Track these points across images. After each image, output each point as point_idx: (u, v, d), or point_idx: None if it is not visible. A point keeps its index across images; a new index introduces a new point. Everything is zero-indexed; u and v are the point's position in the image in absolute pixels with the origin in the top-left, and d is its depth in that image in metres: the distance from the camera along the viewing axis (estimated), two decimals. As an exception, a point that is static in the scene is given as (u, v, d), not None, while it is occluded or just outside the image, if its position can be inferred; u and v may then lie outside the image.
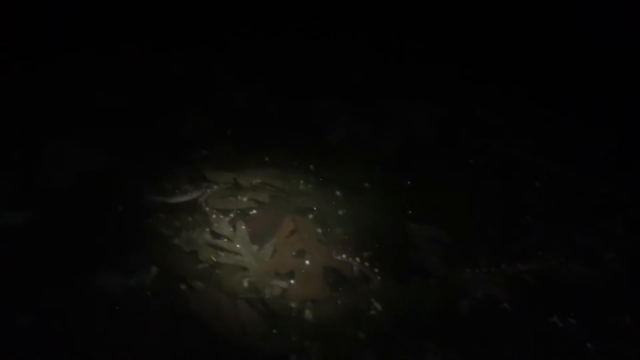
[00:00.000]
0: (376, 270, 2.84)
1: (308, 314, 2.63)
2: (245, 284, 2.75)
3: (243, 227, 2.99)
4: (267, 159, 3.58)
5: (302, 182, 3.39)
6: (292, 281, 2.79)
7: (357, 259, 2.87)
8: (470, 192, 3.43)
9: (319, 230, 3.06)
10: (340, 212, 3.19)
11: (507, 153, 3.71)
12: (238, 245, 2.91)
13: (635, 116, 3.98)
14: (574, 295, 2.86)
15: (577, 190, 3.44)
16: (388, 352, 2.51)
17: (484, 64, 4.49)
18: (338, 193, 3.32)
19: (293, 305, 2.66)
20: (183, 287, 2.70)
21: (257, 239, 2.96)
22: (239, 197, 3.22)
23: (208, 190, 3.26)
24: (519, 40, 4.65)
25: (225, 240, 2.94)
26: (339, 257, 2.87)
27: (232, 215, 3.10)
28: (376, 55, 4.65)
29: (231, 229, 2.99)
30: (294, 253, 2.91)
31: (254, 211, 3.14)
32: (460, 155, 3.68)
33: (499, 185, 3.48)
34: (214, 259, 2.84)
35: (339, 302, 2.71)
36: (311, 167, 3.53)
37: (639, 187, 3.43)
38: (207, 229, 3.01)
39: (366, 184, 3.42)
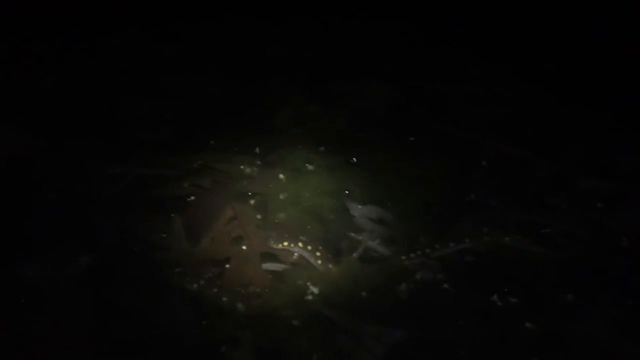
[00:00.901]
0: (317, 254, 2.77)
1: (241, 302, 2.56)
2: (178, 274, 2.67)
3: (177, 216, 2.88)
4: (212, 142, 3.49)
5: (245, 165, 3.30)
6: (227, 266, 2.72)
7: (298, 244, 2.78)
8: (417, 171, 3.37)
9: (259, 216, 2.98)
10: (282, 197, 3.11)
11: (455, 132, 3.66)
12: (172, 236, 2.82)
13: (580, 94, 3.96)
14: (516, 273, 2.81)
15: (523, 168, 3.40)
16: (323, 337, 2.46)
17: (434, 41, 4.44)
18: (281, 176, 3.23)
19: (226, 294, 2.60)
20: (113, 278, 2.62)
21: (194, 228, 2.86)
22: (180, 182, 3.12)
23: (146, 175, 3.15)
24: (471, 19, 4.61)
25: (160, 230, 2.85)
26: (278, 242, 2.79)
27: (170, 202, 2.99)
28: (329, 33, 4.54)
29: (167, 219, 2.88)
30: (230, 241, 2.84)
31: (193, 197, 3.04)
32: (407, 134, 3.62)
33: (446, 164, 3.42)
34: (136, 249, 2.75)
35: (274, 289, 2.65)
36: (257, 150, 3.44)
37: (583, 163, 3.42)
38: (143, 218, 2.91)
39: (310, 166, 3.34)
